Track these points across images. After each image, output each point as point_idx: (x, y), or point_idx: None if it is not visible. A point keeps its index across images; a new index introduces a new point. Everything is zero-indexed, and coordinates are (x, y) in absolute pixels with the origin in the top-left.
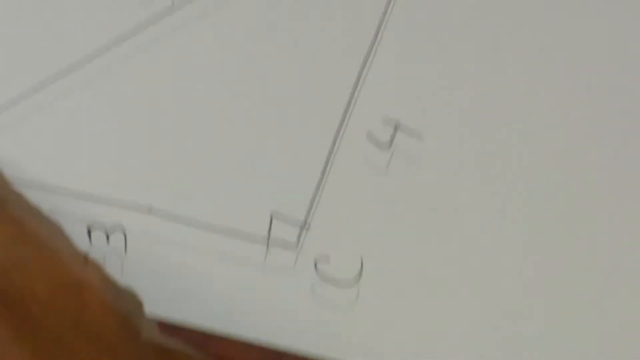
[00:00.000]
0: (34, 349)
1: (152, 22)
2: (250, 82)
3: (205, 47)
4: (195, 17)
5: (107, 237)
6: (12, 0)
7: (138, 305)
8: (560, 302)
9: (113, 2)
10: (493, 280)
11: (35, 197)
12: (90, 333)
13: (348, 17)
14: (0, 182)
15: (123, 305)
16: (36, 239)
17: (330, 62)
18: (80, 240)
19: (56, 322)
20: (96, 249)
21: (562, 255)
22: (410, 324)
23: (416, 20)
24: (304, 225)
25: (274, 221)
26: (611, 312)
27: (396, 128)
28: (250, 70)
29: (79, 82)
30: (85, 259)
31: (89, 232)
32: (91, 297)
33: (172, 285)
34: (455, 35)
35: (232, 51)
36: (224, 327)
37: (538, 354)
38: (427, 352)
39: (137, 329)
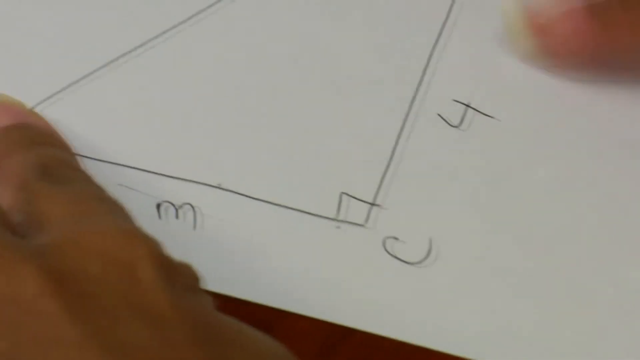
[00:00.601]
0: (85, 326)
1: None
2: (321, 61)
3: (274, 24)
4: None
5: (177, 213)
6: None
7: (194, 281)
8: None
9: None
10: (565, 266)
11: (104, 173)
12: (143, 310)
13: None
14: (66, 159)
15: (177, 282)
16: (93, 216)
17: (402, 41)
18: (149, 216)
19: (109, 299)
20: (165, 224)
21: None
22: (476, 307)
23: (487, 3)
24: (373, 205)
25: (343, 200)
26: None
27: (468, 107)
28: (320, 51)
29: (151, 59)
30: (141, 236)
31: (158, 208)
32: (145, 274)
33: (241, 262)
34: None
35: (302, 31)
36: (290, 305)
37: (611, 346)
38: (494, 338)
39: (191, 306)
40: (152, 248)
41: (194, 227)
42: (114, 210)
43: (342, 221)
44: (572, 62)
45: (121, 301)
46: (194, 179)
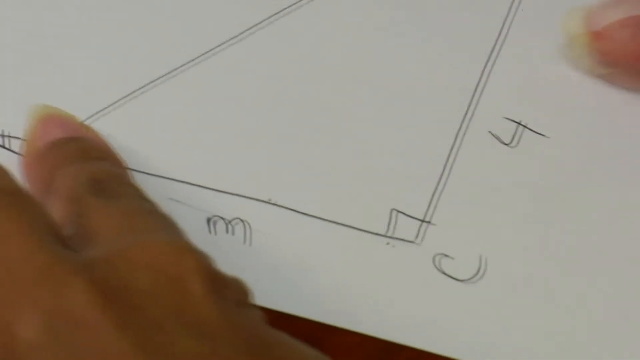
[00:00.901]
0: (134, 339)
1: (275, 13)
2: (373, 77)
3: (326, 39)
4: (316, 7)
5: (227, 227)
6: None
7: (244, 295)
8: None
9: None
10: (617, 287)
11: (155, 187)
12: (193, 324)
13: (473, 13)
14: (118, 173)
15: (228, 296)
16: (143, 230)
17: (454, 57)
18: (199, 230)
19: (158, 313)
20: (215, 238)
21: None
22: (526, 325)
23: (541, 17)
24: (424, 221)
25: (393, 217)
26: None
27: (519, 125)
28: (372, 66)
29: (203, 73)
30: (191, 250)
31: (209, 222)
32: (194, 288)
33: (290, 277)
34: None
35: (353, 46)
36: (340, 320)
37: None
38: (544, 356)
39: (241, 320)
40: (202, 262)
41: (244, 241)
42: (165, 225)
43: (392, 237)
44: (630, 70)
45: (171, 314)
46: (245, 194)
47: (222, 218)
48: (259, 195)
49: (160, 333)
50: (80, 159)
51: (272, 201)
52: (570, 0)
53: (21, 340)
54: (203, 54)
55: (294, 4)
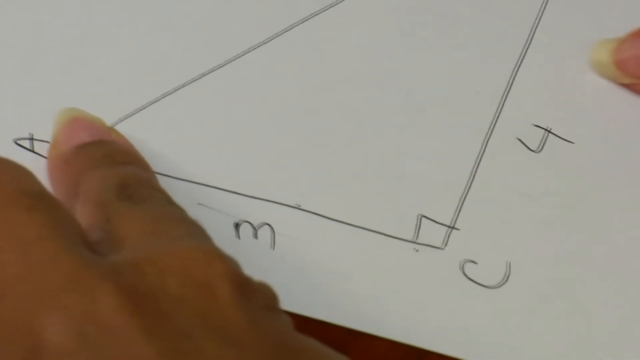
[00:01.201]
0: (162, 344)
1: (302, 19)
2: (400, 82)
3: (353, 45)
4: (342, 13)
5: (255, 233)
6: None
7: (272, 301)
8: None
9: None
10: None
11: (183, 192)
12: (221, 329)
13: (501, 20)
14: (145, 178)
15: (255, 301)
16: (171, 236)
17: (482, 63)
18: (227, 236)
19: (186, 318)
20: (243, 244)
21: None
22: (553, 331)
23: (569, 23)
24: (451, 228)
25: (421, 223)
26: None
27: (548, 132)
28: (399, 72)
29: (231, 78)
30: (219, 255)
31: (237, 228)
32: (222, 293)
33: (318, 282)
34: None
35: (380, 51)
36: (367, 326)
37: None
38: None
39: (269, 325)
40: (229, 267)
41: (272, 247)
42: (193, 230)
43: (419, 244)
44: None
45: (198, 320)
46: (273, 199)
47: (250, 223)
48: (288, 201)
49: (187, 339)
50: (107, 164)
51: (301, 207)
52: (595, 8)
53: (48, 345)
54: (231, 58)
55: (321, 10)
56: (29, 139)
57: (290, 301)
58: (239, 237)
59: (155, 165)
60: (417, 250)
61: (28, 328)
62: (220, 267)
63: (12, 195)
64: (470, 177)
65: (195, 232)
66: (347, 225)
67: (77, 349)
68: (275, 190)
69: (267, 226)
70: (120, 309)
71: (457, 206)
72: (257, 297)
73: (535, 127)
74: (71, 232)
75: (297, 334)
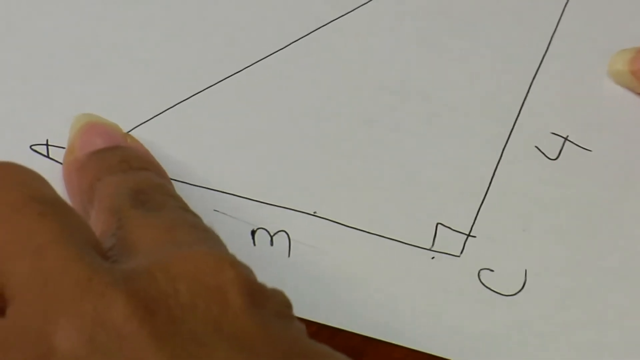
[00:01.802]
0: (173, 351)
1: (320, 26)
2: (418, 91)
3: (371, 53)
4: (361, 20)
5: (271, 240)
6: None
7: (285, 307)
8: None
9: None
10: None
11: (199, 198)
12: (232, 336)
13: (521, 28)
14: (161, 184)
15: (268, 308)
16: (184, 243)
17: (500, 71)
18: (244, 243)
19: (197, 325)
20: (259, 251)
21: None
22: (571, 341)
23: (586, 34)
24: (469, 236)
25: (439, 231)
26: None
27: (566, 140)
28: (417, 80)
29: (248, 86)
30: (231, 262)
31: (253, 235)
32: (234, 300)
33: (334, 290)
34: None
35: (399, 60)
36: (384, 333)
37: None
38: None
39: (282, 332)
40: (242, 274)
41: (289, 254)
42: (207, 238)
43: (437, 252)
44: None
45: (210, 327)
46: (290, 206)
47: (267, 230)
48: (304, 208)
49: (198, 345)
50: (122, 169)
51: (318, 214)
52: (613, 18)
53: (59, 351)
54: (248, 66)
55: (338, 16)
56: (45, 144)
57: (306, 308)
58: (254, 244)
59: (171, 172)
60: (433, 258)
61: (39, 334)
62: (232, 274)
63: (24, 201)
64: (488, 185)
65: (208, 238)
66: (364, 233)
67: (88, 355)
68: (292, 197)
69: (283, 233)
70: (131, 315)
71: (476, 215)
72: (269, 303)
73: (553, 135)
74: (83, 239)
75: (310, 341)
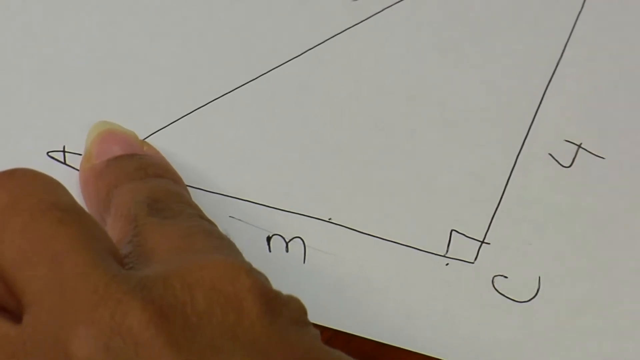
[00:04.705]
0: (189, 358)
1: (335, 32)
2: (433, 98)
3: (386, 60)
4: (377, 28)
5: (287, 246)
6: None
7: (301, 314)
8: None
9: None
10: None
11: (215, 205)
12: (248, 343)
13: (535, 35)
14: (177, 192)
15: (284, 315)
16: (200, 251)
17: (515, 78)
18: (259, 249)
19: (213, 332)
20: (275, 257)
21: None
22: (584, 347)
23: (600, 40)
24: (483, 243)
25: (453, 237)
26: None
27: (579, 147)
28: (432, 87)
29: (264, 92)
30: (247, 269)
31: (269, 241)
32: (250, 307)
33: (349, 296)
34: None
35: (414, 67)
36: (398, 340)
37: None
38: None
39: (297, 339)
40: (257, 281)
41: (304, 260)
42: (222, 245)
43: (451, 258)
44: None
45: (226, 334)
46: (305, 213)
47: (282, 237)
48: (319, 214)
49: (215, 353)
50: (139, 177)
51: (333, 220)
52: (627, 24)
53: (76, 358)
54: (264, 73)
55: (355, 24)
56: (62, 151)
57: (321, 314)
58: (270, 251)
59: (187, 178)
60: (447, 265)
61: (56, 341)
62: (248, 281)
63: (42, 208)
64: (502, 192)
65: (224, 246)
66: (378, 239)
67: None
68: (307, 203)
69: (298, 239)
70: (148, 323)
71: (491, 222)
72: (285, 310)
73: (567, 143)
74: (101, 246)
75: (325, 348)
